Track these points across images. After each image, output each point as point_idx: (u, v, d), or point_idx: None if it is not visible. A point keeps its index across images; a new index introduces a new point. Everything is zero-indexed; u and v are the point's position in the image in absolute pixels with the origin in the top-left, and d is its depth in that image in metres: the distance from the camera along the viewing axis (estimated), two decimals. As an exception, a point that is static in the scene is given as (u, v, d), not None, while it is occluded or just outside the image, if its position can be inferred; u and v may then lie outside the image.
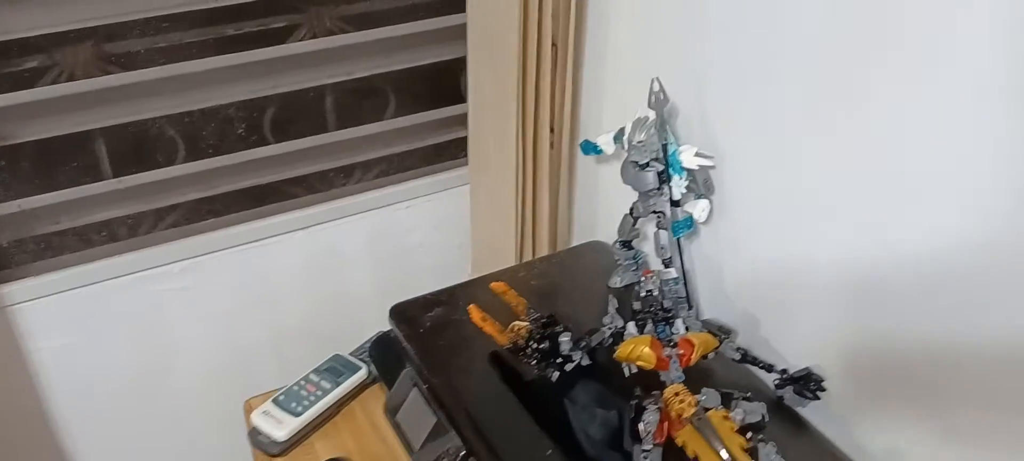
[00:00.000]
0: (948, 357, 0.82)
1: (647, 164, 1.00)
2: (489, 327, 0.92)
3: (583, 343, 0.94)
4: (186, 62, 1.11)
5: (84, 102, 1.08)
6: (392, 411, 1.03)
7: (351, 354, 1.21)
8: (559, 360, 0.91)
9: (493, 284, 1.00)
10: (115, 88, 1.09)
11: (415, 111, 1.32)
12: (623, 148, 1.06)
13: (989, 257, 0.74)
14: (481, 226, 1.28)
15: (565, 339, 0.90)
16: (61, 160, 1.10)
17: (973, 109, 0.72)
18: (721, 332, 0.98)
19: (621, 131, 1.07)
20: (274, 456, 1.09)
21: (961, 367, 0.81)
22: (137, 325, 1.20)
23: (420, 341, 1.03)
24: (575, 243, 1.37)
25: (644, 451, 0.81)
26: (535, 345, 0.90)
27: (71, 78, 1.08)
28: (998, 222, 0.73)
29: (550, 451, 0.81)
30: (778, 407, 0.96)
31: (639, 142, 0.99)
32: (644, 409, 0.83)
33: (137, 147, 1.13)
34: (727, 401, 0.88)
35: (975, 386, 0.80)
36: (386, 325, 1.16)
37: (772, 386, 0.97)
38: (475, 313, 0.92)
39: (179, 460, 1.34)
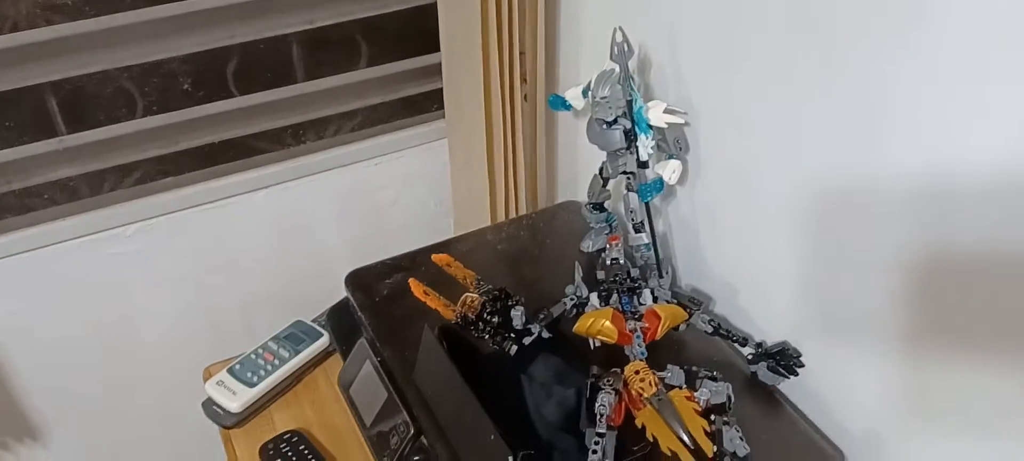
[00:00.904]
0: (935, 331, 0.75)
1: (614, 121, 0.93)
2: (433, 301, 0.86)
3: (543, 315, 0.88)
4: (135, 10, 1.04)
5: (28, 55, 1.02)
6: (346, 385, 0.98)
7: (313, 320, 1.16)
8: (515, 334, 0.85)
9: (435, 257, 0.94)
10: (61, 39, 1.03)
11: (384, 62, 1.24)
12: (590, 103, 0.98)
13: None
14: (460, 183, 1.21)
15: (517, 313, 0.84)
16: (5, 117, 1.04)
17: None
18: (692, 303, 0.91)
19: (589, 85, 0.99)
20: (228, 428, 1.04)
21: (952, 341, 0.73)
22: (92, 290, 1.15)
23: (375, 310, 0.98)
24: (559, 201, 1.30)
25: (597, 434, 0.75)
26: (487, 319, 0.84)
27: (14, 29, 1.02)
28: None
29: (493, 435, 0.75)
30: (753, 383, 0.89)
31: (603, 98, 0.91)
32: (599, 389, 0.77)
33: (88, 103, 1.07)
34: (692, 380, 0.82)
35: (965, 355, 0.73)
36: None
37: (746, 360, 0.91)
38: (416, 287, 0.86)
39: (149, 422, 1.30)
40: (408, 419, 0.87)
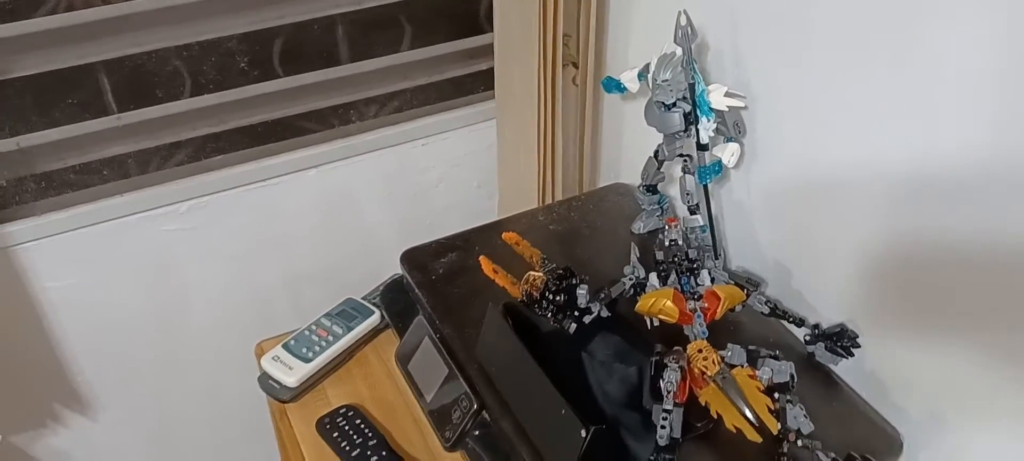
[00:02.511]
0: (998, 316, 0.76)
1: (673, 104, 0.94)
2: (501, 279, 0.87)
3: (602, 295, 0.89)
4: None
5: (85, 34, 1.04)
6: (404, 359, 0.99)
7: (364, 298, 1.17)
8: (577, 312, 0.86)
9: (505, 235, 0.95)
10: (116, 18, 1.04)
11: (430, 43, 1.25)
12: (648, 86, 0.99)
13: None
14: (507, 165, 1.22)
15: (582, 292, 0.85)
16: (62, 95, 1.05)
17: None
18: (749, 284, 0.92)
19: (646, 67, 1.00)
20: (284, 402, 1.06)
21: (1016, 327, 0.75)
22: (146, 265, 1.17)
23: (432, 289, 0.99)
24: (600, 185, 1.31)
25: (664, 411, 0.76)
26: (551, 297, 0.86)
27: (70, 8, 1.03)
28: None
29: (564, 410, 0.77)
30: (809, 364, 0.91)
31: (664, 81, 0.92)
32: (665, 367, 0.78)
33: (141, 81, 1.09)
34: (753, 359, 0.83)
35: (1024, 350, 0.74)
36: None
37: (803, 341, 0.92)
38: (486, 265, 0.88)
39: (199, 398, 1.32)
40: (470, 394, 0.89)
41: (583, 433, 0.75)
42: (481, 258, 0.89)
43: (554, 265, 0.87)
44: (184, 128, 1.15)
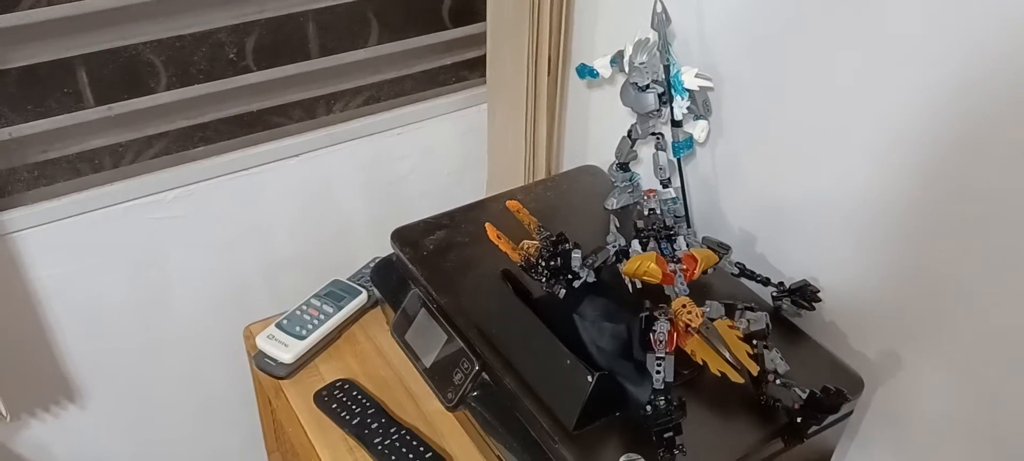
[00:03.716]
0: (938, 271, 0.86)
1: (647, 86, 1.02)
2: (504, 245, 0.94)
3: (590, 261, 0.97)
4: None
5: (68, 27, 1.06)
6: (400, 331, 1.05)
7: (349, 279, 1.22)
8: (568, 277, 0.94)
9: (509, 203, 1.02)
10: (98, 12, 1.06)
11: (400, 37, 1.31)
12: (622, 71, 1.07)
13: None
14: (498, 147, 1.29)
15: (577, 256, 0.92)
16: (50, 87, 1.07)
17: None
18: (721, 248, 1.01)
19: (619, 54, 1.08)
20: (281, 378, 1.10)
21: (950, 282, 0.85)
22: (134, 253, 1.19)
23: (425, 263, 1.05)
24: (565, 168, 1.39)
25: (658, 358, 0.84)
26: (545, 262, 0.93)
27: (52, 2, 1.05)
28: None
29: (569, 360, 0.84)
30: (775, 318, 1.00)
31: (641, 64, 1.01)
32: (655, 319, 0.86)
33: (123, 73, 1.11)
34: (731, 311, 0.92)
35: (963, 297, 0.85)
36: (379, 252, 1.18)
37: (769, 299, 1.01)
38: (491, 231, 0.94)
39: (181, 385, 1.34)
40: (471, 356, 0.95)
41: (589, 379, 0.82)
42: (487, 225, 0.95)
43: (548, 233, 0.94)
44: (165, 120, 1.18)
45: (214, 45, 1.15)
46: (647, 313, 0.88)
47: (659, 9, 0.98)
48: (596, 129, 1.31)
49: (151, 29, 1.10)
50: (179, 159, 1.19)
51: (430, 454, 0.98)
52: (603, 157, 1.21)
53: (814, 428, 0.86)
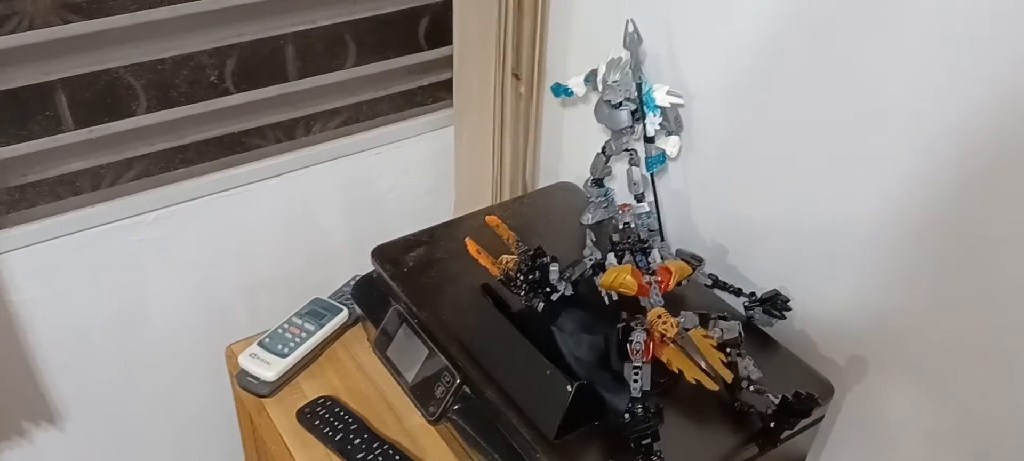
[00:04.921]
0: (905, 279, 0.90)
1: (620, 103, 1.05)
2: (484, 259, 0.96)
3: (567, 274, 0.99)
4: (149, 10, 1.10)
5: (46, 51, 1.07)
6: (381, 347, 1.06)
7: (330, 297, 1.24)
8: (546, 290, 0.96)
9: (488, 218, 1.04)
10: (76, 37, 1.08)
11: (378, 59, 1.34)
12: (595, 89, 1.10)
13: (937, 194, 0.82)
14: (465, 167, 1.32)
15: (554, 268, 0.95)
16: (30, 110, 1.08)
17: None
18: (694, 260, 1.04)
19: (592, 72, 1.11)
20: (263, 396, 1.11)
21: (917, 289, 0.89)
22: (113, 275, 1.19)
23: (405, 279, 1.07)
24: (541, 185, 1.42)
25: (635, 368, 0.86)
26: (524, 276, 0.95)
27: (31, 27, 1.06)
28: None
29: (549, 371, 0.86)
30: (748, 328, 1.02)
31: (614, 82, 1.04)
32: (632, 330, 0.89)
33: (104, 97, 1.12)
34: (705, 321, 0.95)
35: (930, 299, 0.88)
36: (358, 270, 1.19)
37: (742, 309, 1.04)
38: (471, 246, 0.96)
39: (160, 407, 1.34)
40: (452, 370, 0.97)
41: (569, 388, 0.85)
42: (467, 240, 0.97)
43: (527, 247, 0.96)
44: (144, 143, 1.19)
45: (194, 68, 1.17)
46: (624, 324, 0.91)
47: (631, 29, 1.01)
48: (571, 146, 1.34)
49: (131, 53, 1.12)
50: (159, 181, 1.20)
51: (413, 468, 1.00)
52: (578, 173, 1.24)
53: (787, 432, 0.89)
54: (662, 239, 1.09)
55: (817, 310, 1.01)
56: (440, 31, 1.36)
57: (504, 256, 0.97)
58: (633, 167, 1.09)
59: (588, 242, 1.07)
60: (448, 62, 1.38)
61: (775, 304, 1.01)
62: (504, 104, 1.26)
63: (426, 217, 1.36)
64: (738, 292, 1.04)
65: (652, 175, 1.08)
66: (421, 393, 1.00)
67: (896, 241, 0.89)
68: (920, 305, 0.89)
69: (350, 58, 1.31)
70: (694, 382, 0.88)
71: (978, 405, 0.87)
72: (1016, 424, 0.85)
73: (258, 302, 1.37)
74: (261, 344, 1.14)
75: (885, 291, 0.93)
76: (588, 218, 1.18)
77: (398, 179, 1.41)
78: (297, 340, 1.14)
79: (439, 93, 1.41)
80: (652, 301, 0.96)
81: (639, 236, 1.03)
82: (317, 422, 1.07)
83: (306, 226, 1.36)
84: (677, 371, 0.89)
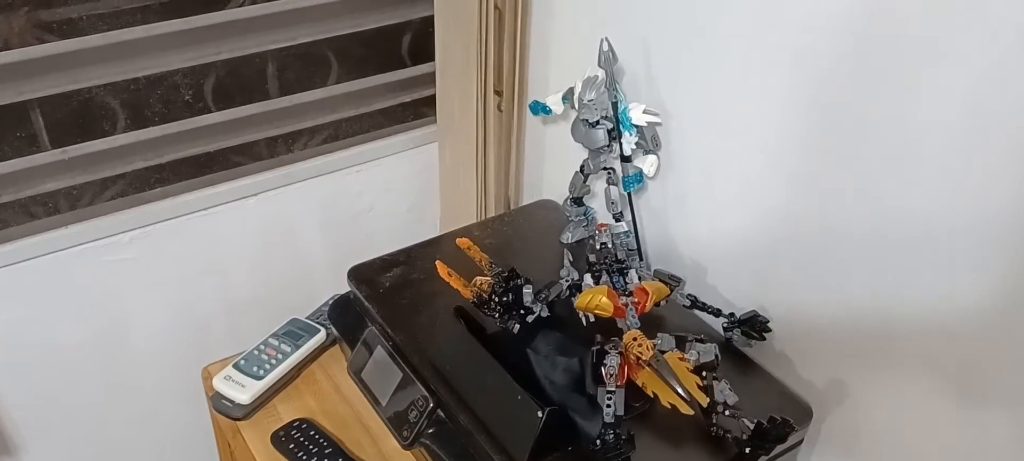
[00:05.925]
0: (881, 305, 0.89)
1: (597, 122, 1.04)
2: (455, 282, 0.95)
3: (543, 295, 0.98)
4: (125, 29, 1.10)
5: (21, 71, 1.06)
6: (356, 370, 1.05)
7: (308, 318, 1.22)
8: (521, 312, 0.95)
9: (459, 240, 1.03)
10: (52, 57, 1.07)
11: (359, 76, 1.33)
12: (573, 107, 1.09)
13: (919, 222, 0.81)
14: (449, 185, 1.31)
15: (528, 291, 0.93)
16: (5, 131, 1.07)
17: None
18: (672, 280, 1.03)
19: (570, 91, 1.10)
20: (238, 419, 1.10)
21: (893, 317, 0.88)
22: (89, 296, 1.18)
23: (381, 301, 1.06)
24: (523, 202, 1.41)
25: (608, 392, 0.85)
26: (498, 298, 0.94)
27: (6, 47, 1.05)
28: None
29: (520, 396, 0.85)
30: (726, 349, 1.01)
31: (590, 100, 1.03)
32: (606, 354, 0.88)
33: (79, 116, 1.12)
34: (681, 343, 0.93)
35: (905, 327, 0.87)
36: (338, 290, 1.18)
37: (720, 330, 1.03)
38: (442, 269, 0.95)
39: (138, 429, 1.33)
40: (426, 393, 0.95)
41: (540, 414, 0.83)
42: (437, 262, 0.96)
43: (500, 268, 0.95)
44: (121, 162, 1.18)
45: (171, 87, 1.16)
46: (598, 347, 0.90)
47: (605, 48, 1.00)
48: (551, 164, 1.32)
49: (107, 72, 1.11)
50: (136, 200, 1.19)
51: (387, 492, 0.98)
52: (559, 192, 1.23)
53: (763, 458, 0.87)
54: (641, 259, 1.08)
55: (797, 331, 0.99)
56: (422, 47, 1.35)
57: (477, 278, 0.95)
58: (611, 186, 1.08)
59: (566, 262, 1.06)
60: (430, 79, 1.37)
61: (754, 325, 0.99)
62: (487, 121, 1.26)
63: (409, 235, 1.35)
64: (717, 313, 1.03)
65: (630, 194, 1.07)
66: (395, 417, 0.99)
67: (880, 259, 0.88)
68: (904, 326, 0.88)
69: (332, 75, 1.30)
70: (669, 406, 0.87)
71: (961, 429, 0.86)
72: (994, 441, 0.83)
73: (238, 322, 1.35)
74: (236, 366, 1.13)
75: (868, 311, 0.91)
76: (567, 237, 1.17)
77: (379, 196, 1.40)
78: (273, 362, 1.13)
79: (423, 110, 1.40)
80: (628, 323, 0.95)
81: (616, 256, 1.02)
82: (292, 446, 1.05)
83: (286, 245, 1.35)
84: (652, 395, 0.88)
